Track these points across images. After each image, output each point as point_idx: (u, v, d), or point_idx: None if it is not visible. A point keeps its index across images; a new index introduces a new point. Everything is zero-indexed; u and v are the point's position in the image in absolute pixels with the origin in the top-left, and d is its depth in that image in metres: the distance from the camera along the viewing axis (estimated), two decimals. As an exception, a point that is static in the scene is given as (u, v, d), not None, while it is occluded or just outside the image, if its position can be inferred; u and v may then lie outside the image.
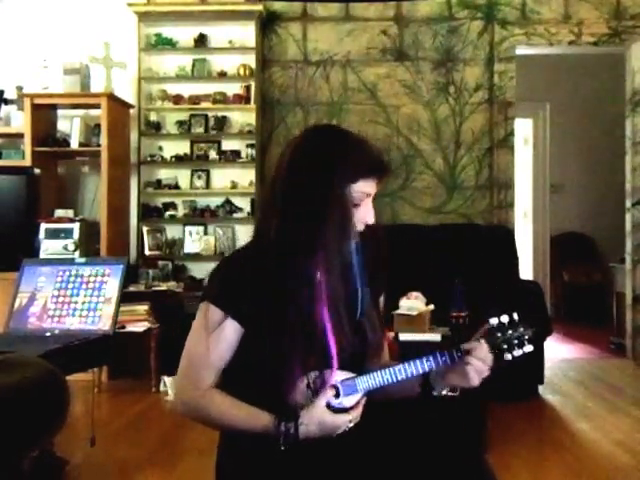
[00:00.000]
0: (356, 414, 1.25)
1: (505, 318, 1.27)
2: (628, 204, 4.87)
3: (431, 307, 3.29)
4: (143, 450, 2.95)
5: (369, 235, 1.34)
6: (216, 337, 1.27)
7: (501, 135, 4.76)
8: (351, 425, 1.25)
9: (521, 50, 4.82)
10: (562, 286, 6.62)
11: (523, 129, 6.72)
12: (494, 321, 1.28)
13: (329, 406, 1.24)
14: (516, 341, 1.27)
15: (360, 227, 1.32)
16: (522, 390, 3.79)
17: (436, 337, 3.10)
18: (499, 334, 1.27)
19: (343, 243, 1.29)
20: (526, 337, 1.27)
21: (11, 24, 4.81)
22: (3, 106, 4.63)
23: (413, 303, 3.24)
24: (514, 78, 4.77)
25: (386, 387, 1.28)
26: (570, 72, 6.56)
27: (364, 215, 1.31)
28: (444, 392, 1.33)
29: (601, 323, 5.86)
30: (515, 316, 1.28)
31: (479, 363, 1.27)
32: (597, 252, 6.66)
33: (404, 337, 3.09)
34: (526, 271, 6.28)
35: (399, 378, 1.26)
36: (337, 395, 1.24)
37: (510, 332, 1.27)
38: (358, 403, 1.26)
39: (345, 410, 1.25)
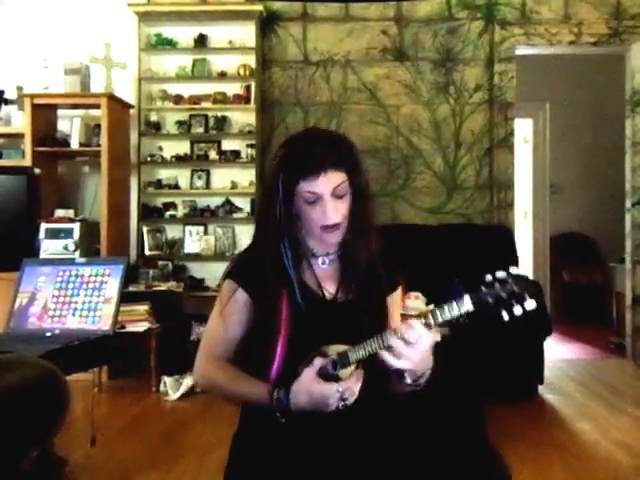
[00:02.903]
0: (348, 385, 1.23)
1: (501, 274, 1.18)
2: (628, 204, 4.87)
3: (431, 307, 3.29)
4: (143, 450, 2.95)
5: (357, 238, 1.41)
6: (229, 309, 1.40)
7: (501, 135, 4.76)
8: (348, 402, 1.22)
9: (521, 50, 4.82)
10: (562, 286, 6.62)
11: (523, 129, 6.72)
12: (488, 277, 1.19)
13: (324, 375, 1.23)
14: (507, 297, 1.16)
15: (325, 222, 1.36)
16: (522, 390, 3.80)
17: (436, 337, 3.10)
18: (486, 290, 1.18)
19: (274, 239, 1.38)
20: (521, 292, 1.15)
21: (11, 24, 4.81)
22: (3, 106, 4.64)
23: (413, 303, 3.25)
24: (514, 78, 4.77)
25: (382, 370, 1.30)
26: (570, 72, 6.56)
27: (320, 213, 1.36)
28: (408, 380, 1.29)
29: (601, 323, 5.86)
30: (514, 270, 1.18)
31: (398, 343, 1.23)
32: (597, 252, 6.66)
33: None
34: (526, 271, 6.27)
35: (389, 343, 1.23)
36: (333, 366, 1.24)
37: (499, 288, 1.16)
38: (353, 374, 1.25)
39: (336, 380, 1.24)
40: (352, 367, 1.24)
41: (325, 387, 1.22)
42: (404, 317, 3.50)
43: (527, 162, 6.84)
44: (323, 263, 1.45)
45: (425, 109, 4.79)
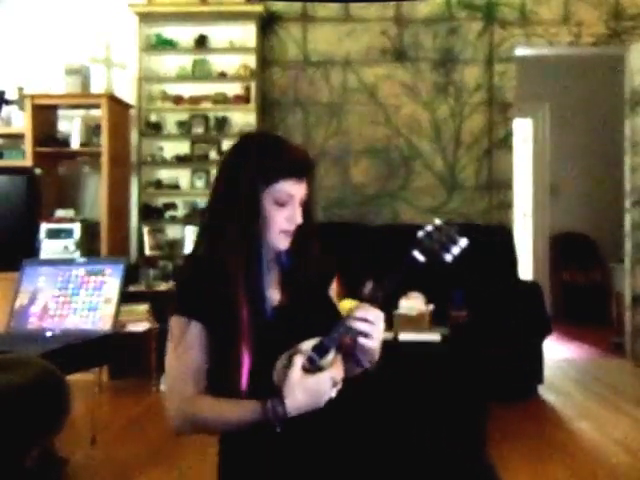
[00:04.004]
0: (335, 372, 1.25)
1: (429, 227, 1.29)
2: (627, 204, 4.88)
3: (431, 307, 3.30)
4: (143, 449, 2.95)
5: (302, 234, 1.41)
6: (185, 345, 1.33)
7: (500, 135, 4.77)
8: (337, 388, 1.24)
9: (520, 50, 4.82)
10: (562, 286, 6.62)
11: (523, 129, 6.73)
12: (420, 233, 1.29)
13: (307, 370, 1.24)
14: (446, 240, 1.28)
15: (288, 226, 1.38)
16: (522, 390, 3.80)
17: (436, 337, 3.11)
18: (427, 241, 1.29)
19: (248, 240, 1.35)
20: (454, 234, 1.29)
21: (12, 24, 4.82)
22: (4, 106, 4.64)
23: (413, 303, 3.25)
24: (514, 78, 4.77)
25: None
26: (570, 72, 6.56)
27: (290, 215, 1.38)
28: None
29: (601, 323, 5.86)
30: (437, 221, 1.30)
31: (364, 325, 1.27)
32: (597, 252, 6.66)
33: (404, 337, 3.10)
34: (526, 271, 6.29)
35: (354, 326, 1.27)
36: (312, 361, 1.25)
37: (437, 236, 1.28)
38: (335, 360, 1.26)
39: (320, 371, 1.25)
40: (331, 354, 1.26)
41: (317, 378, 1.23)
42: (404, 317, 3.50)
43: (527, 162, 6.85)
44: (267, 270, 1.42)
45: (425, 109, 4.80)
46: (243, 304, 1.31)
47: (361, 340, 1.28)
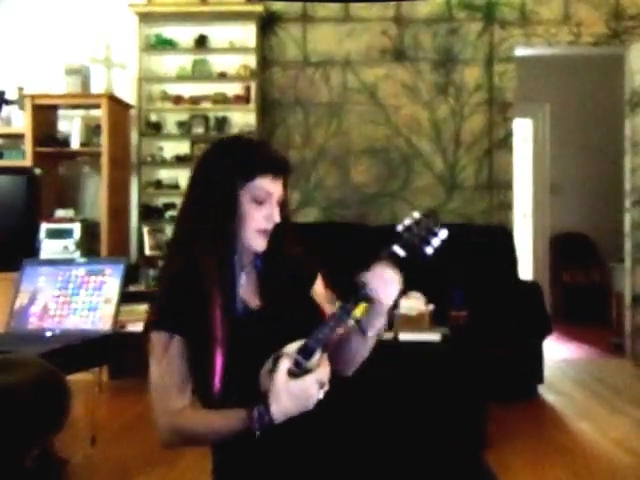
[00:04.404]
0: (322, 373, 1.22)
1: (408, 221, 1.29)
2: (627, 204, 4.88)
3: (431, 307, 3.29)
4: (143, 450, 2.95)
5: (281, 233, 1.40)
6: (168, 359, 1.31)
7: (500, 135, 4.77)
8: (324, 389, 1.22)
9: (520, 51, 4.82)
10: (562, 286, 6.62)
11: (523, 129, 6.73)
12: (399, 227, 1.29)
13: (293, 374, 1.21)
14: (425, 234, 1.27)
15: (266, 225, 1.37)
16: (522, 390, 3.80)
17: (436, 337, 3.11)
18: (407, 235, 1.28)
19: (224, 239, 1.34)
20: (434, 226, 1.27)
21: (12, 24, 4.82)
22: (4, 106, 4.64)
23: (413, 303, 3.25)
24: (514, 79, 4.78)
25: (341, 349, 1.36)
26: (570, 72, 6.57)
27: (268, 213, 1.36)
28: (372, 332, 1.35)
29: (601, 323, 5.87)
30: (416, 214, 1.30)
31: (374, 280, 1.27)
32: (596, 252, 6.66)
33: (404, 337, 3.10)
34: (526, 271, 6.29)
35: (342, 318, 1.27)
36: (298, 364, 1.22)
37: (417, 229, 1.28)
38: (321, 361, 1.23)
39: (307, 373, 1.23)
40: (317, 355, 1.23)
41: (302, 382, 1.20)
42: (404, 317, 3.49)
43: (527, 162, 6.85)
44: (244, 275, 1.41)
45: (425, 109, 4.80)
46: (216, 305, 1.29)
47: (372, 293, 1.26)
